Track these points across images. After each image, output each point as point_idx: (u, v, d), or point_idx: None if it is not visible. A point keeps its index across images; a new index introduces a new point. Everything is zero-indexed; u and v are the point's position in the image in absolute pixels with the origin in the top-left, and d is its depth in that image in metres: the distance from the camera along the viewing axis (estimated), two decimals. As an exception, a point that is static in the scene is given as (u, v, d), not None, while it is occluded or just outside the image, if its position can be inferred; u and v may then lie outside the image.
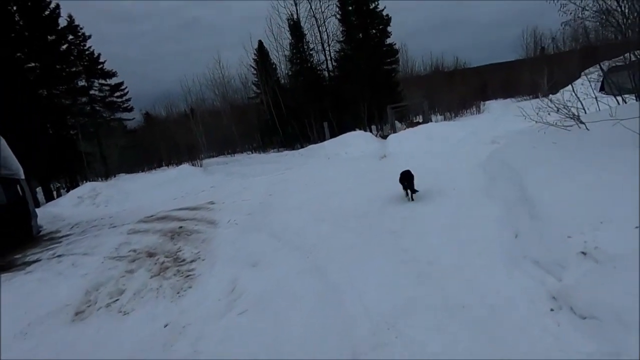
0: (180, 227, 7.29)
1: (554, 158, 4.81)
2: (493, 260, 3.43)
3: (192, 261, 5.16)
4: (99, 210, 11.10)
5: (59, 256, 6.63)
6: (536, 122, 6.12)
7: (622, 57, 7.40)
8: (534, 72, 27.55)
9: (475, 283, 3.08)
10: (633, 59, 6.64)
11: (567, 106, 5.50)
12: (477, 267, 3.38)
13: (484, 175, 6.69)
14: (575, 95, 6.33)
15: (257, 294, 3.58)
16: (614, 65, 8.41)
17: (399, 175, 6.37)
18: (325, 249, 4.47)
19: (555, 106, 5.57)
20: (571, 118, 5.58)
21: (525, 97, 28.63)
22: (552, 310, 2.48)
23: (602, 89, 14.32)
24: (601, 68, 7.41)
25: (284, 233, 5.50)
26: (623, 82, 7.33)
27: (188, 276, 4.57)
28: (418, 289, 3.12)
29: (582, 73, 15.49)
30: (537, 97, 26.11)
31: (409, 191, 6.13)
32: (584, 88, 7.22)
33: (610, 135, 4.80)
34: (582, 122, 5.40)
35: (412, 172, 6.18)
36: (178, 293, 4.10)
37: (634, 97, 7.01)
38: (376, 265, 3.76)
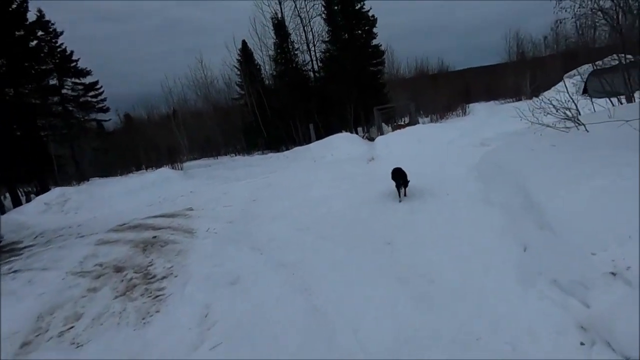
0: (154, 237, 6.69)
1: (557, 161, 4.50)
2: (503, 278, 3.05)
3: (163, 278, 4.61)
4: (68, 217, 10.29)
5: (15, 272, 5.94)
6: (532, 123, 5.85)
7: (609, 57, 7.28)
8: (517, 75, 27.88)
9: (486, 307, 2.69)
10: (624, 59, 6.50)
11: (567, 107, 5.23)
12: (486, 286, 2.99)
13: (478, 179, 6.38)
14: (570, 96, 6.10)
15: (233, 322, 3.09)
16: (597, 68, 8.30)
17: (389, 176, 6.40)
18: (312, 265, 4.01)
19: (555, 107, 5.29)
20: (569, 119, 5.32)
21: (508, 100, 28.91)
22: (582, 344, 2.10)
23: (584, 92, 14.43)
24: (594, 66, 7.21)
25: (266, 245, 5.01)
26: (616, 85, 7.17)
27: (157, 297, 4.03)
28: (421, 317, 2.69)
29: (565, 76, 15.58)
30: (520, 99, 26.43)
31: (401, 189, 6.10)
32: (572, 89, 7.04)
33: (614, 137, 4.54)
34: (581, 124, 5.15)
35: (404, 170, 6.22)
36: (143, 319, 3.55)
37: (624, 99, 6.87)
38: (370, 285, 3.33)
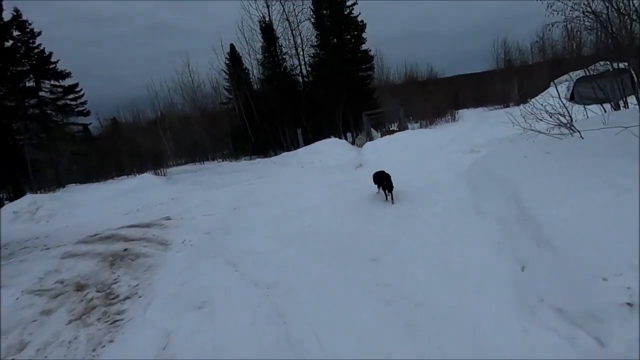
0: (125, 249, 6.22)
1: (553, 170, 4.22)
2: (499, 302, 2.71)
3: (126, 298, 4.16)
4: (38, 227, 9.68)
5: (-34, 290, 5.38)
6: (525, 129, 5.60)
7: (602, 63, 7.12)
8: (505, 82, 28.12)
9: (481, 338, 2.35)
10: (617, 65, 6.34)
11: (561, 113, 4.99)
12: (480, 312, 2.65)
13: (468, 188, 6.10)
14: (562, 102, 5.89)
15: (195, 355, 2.68)
16: (590, 74, 8.14)
17: (373, 179, 6.54)
18: (290, 284, 3.62)
19: (549, 112, 5.05)
20: (564, 125, 5.08)
21: (496, 106, 29.13)
22: (599, 392, 1.76)
23: (571, 99, 14.42)
24: (586, 71, 7.01)
25: (243, 260, 4.60)
26: (605, 91, 6.99)
27: (115, 322, 3.58)
28: (409, 349, 2.34)
29: (552, 82, 15.51)
30: (508, 105, 26.61)
31: (386, 192, 6.17)
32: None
33: (611, 144, 4.29)
34: (576, 130, 4.91)
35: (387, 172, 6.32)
36: (94, 350, 3.11)
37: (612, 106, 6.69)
38: (353, 309, 2.96)
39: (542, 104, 5.10)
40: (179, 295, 3.86)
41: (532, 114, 5.72)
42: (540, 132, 5.30)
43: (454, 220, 4.73)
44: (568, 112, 5.76)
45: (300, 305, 3.15)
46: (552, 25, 5.78)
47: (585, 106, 6.36)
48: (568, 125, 4.93)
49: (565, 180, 3.75)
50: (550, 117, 5.06)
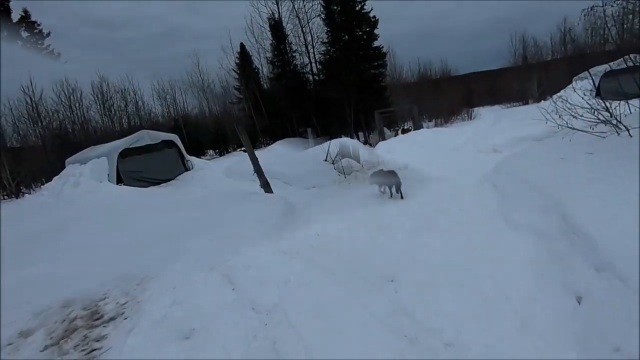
0: (121, 258, 5.81)
1: (601, 174, 3.59)
2: (553, 347, 2.15)
3: (110, 319, 3.71)
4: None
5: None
6: (559, 125, 4.96)
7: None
8: (524, 79, 27.00)
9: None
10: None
11: (605, 108, 4.34)
12: (530, 358, 2.08)
13: (495, 193, 5.50)
14: (600, 95, 5.23)
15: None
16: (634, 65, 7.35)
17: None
18: (292, 309, 3.10)
19: (592, 108, 4.40)
20: (608, 122, 4.42)
21: (514, 104, 28.03)
22: None
23: (597, 94, 13.48)
24: (628, 60, 6.26)
25: (242, 275, 4.10)
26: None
27: (91, 352, 3.13)
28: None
29: (587, 72, 14.55)
30: (526, 103, 25.54)
31: (391, 190, 6.40)
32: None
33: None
34: (624, 128, 4.24)
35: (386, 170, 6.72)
36: (61, 389, 2.66)
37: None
38: (367, 350, 2.42)
39: (582, 97, 4.45)
40: (167, 319, 3.38)
41: (566, 109, 5.07)
42: (580, 130, 4.65)
43: (480, 232, 4.16)
44: (606, 106, 5.09)
45: (303, 340, 2.63)
46: (591, 10, 5.10)
47: (628, 101, 5.64)
48: (615, 122, 4.27)
49: (622, 186, 3.12)
50: (593, 112, 4.40)
